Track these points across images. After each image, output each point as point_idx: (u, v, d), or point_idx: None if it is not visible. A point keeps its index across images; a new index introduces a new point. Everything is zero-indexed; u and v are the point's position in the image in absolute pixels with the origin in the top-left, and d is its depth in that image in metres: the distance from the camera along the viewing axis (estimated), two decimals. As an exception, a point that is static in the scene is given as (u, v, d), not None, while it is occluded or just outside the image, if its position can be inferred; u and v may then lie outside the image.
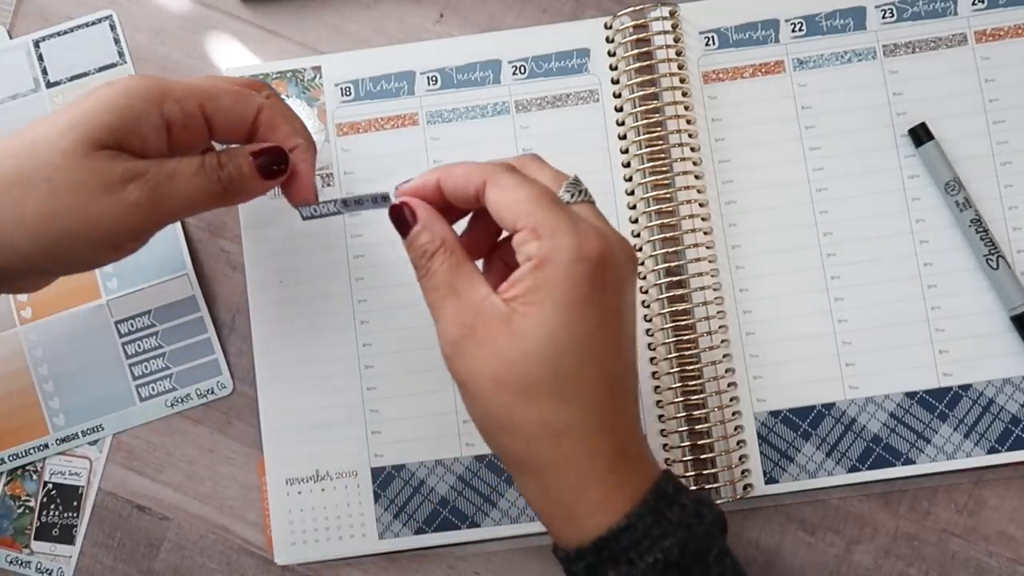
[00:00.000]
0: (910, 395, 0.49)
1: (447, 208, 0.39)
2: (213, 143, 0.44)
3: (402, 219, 0.38)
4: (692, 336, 0.49)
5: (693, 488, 0.48)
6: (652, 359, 0.49)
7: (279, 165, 0.42)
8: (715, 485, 0.48)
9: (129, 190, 0.39)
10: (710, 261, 0.50)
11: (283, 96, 0.51)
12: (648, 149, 0.50)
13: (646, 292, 0.50)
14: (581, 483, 0.36)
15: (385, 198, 0.39)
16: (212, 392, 0.51)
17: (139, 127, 0.40)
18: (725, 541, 0.38)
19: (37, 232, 0.39)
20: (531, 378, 0.35)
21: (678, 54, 0.50)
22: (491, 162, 0.38)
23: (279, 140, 0.43)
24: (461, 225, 0.41)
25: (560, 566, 0.38)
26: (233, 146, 0.43)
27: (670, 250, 0.49)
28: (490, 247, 0.42)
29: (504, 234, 0.42)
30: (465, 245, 0.38)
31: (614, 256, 0.37)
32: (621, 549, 0.36)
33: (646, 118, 0.50)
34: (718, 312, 0.49)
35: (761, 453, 0.49)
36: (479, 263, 0.40)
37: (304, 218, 0.43)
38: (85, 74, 0.53)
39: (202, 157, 0.41)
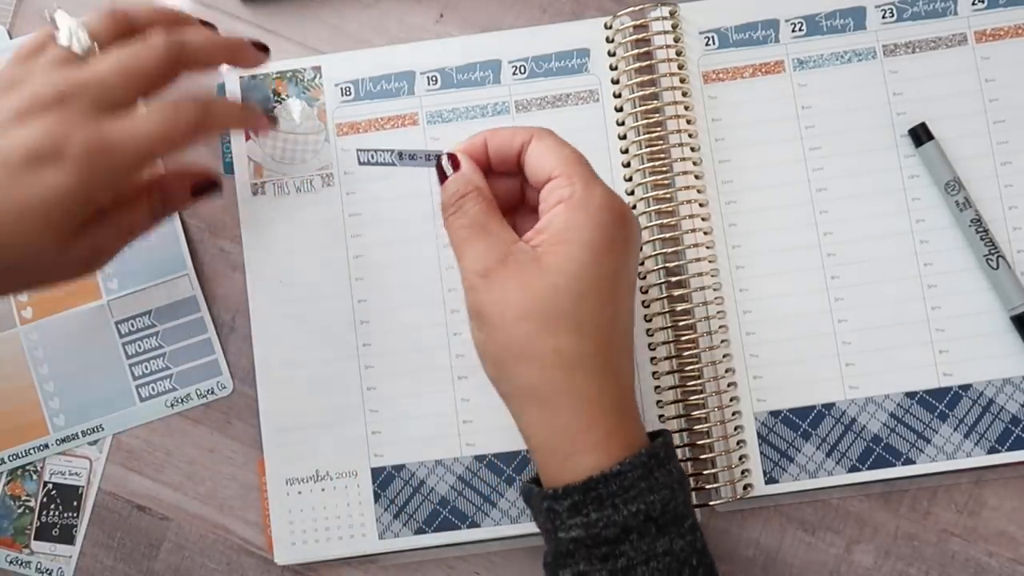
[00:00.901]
0: (910, 395, 0.49)
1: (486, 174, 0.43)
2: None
3: (443, 168, 0.42)
4: (692, 336, 0.49)
5: (691, 489, 0.48)
6: (652, 359, 0.49)
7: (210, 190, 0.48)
8: (715, 485, 0.48)
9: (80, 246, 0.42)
10: (710, 261, 0.50)
11: (283, 97, 0.51)
12: (648, 149, 0.50)
13: (646, 292, 0.50)
14: (587, 417, 0.39)
15: (437, 156, 0.43)
16: (212, 392, 0.51)
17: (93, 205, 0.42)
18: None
19: None
20: (556, 310, 0.38)
21: (678, 54, 0.50)
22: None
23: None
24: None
25: (534, 511, 0.41)
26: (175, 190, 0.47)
27: (670, 250, 0.49)
28: None
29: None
30: None
31: (632, 219, 0.41)
32: (609, 493, 0.38)
33: (646, 118, 0.50)
34: (718, 312, 0.49)
35: (761, 453, 0.49)
36: None
37: (360, 163, 0.45)
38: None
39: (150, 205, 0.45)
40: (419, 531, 0.49)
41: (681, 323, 0.49)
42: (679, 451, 0.48)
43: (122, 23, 0.42)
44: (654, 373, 0.49)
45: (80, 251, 0.41)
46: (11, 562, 0.51)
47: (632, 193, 0.50)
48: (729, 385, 0.49)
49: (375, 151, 0.45)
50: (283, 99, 0.52)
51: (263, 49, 0.47)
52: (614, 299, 0.40)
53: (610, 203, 0.40)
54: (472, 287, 0.40)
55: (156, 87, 0.42)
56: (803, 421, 0.49)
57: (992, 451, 0.48)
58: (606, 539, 0.38)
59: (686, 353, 0.49)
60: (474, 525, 0.49)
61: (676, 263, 0.50)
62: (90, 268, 0.43)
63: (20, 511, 0.51)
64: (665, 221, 0.50)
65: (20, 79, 0.40)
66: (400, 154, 0.44)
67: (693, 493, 0.48)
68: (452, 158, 0.42)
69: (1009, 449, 0.48)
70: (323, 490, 0.49)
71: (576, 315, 0.39)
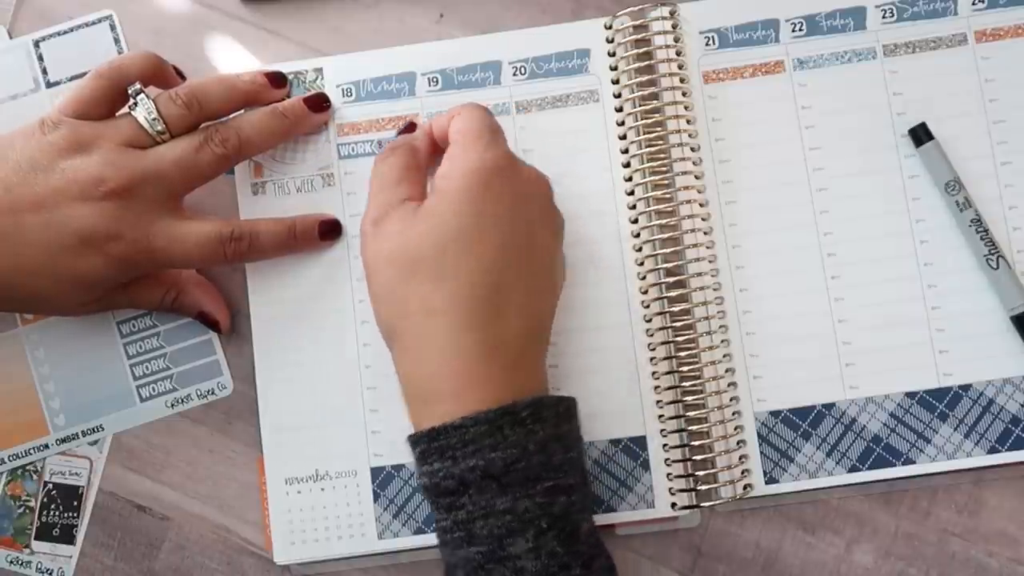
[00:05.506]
0: (910, 395, 0.49)
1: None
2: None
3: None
4: (692, 336, 0.49)
5: (691, 489, 0.48)
6: (652, 359, 0.49)
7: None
8: (715, 485, 0.48)
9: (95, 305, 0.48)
10: (710, 261, 0.50)
11: (285, 98, 0.51)
12: (648, 149, 0.50)
13: (646, 292, 0.50)
14: (443, 365, 0.40)
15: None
16: (212, 392, 0.51)
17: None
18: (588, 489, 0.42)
19: None
20: (418, 256, 0.41)
21: (678, 54, 0.50)
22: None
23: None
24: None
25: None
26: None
27: (670, 250, 0.49)
28: None
29: None
30: None
31: (514, 171, 0.43)
32: (449, 445, 0.38)
33: (646, 118, 0.50)
34: (718, 312, 0.49)
35: (761, 453, 0.49)
36: None
37: (341, 157, 0.50)
38: (85, 74, 0.52)
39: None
40: (418, 531, 0.49)
41: (681, 323, 0.49)
42: (679, 451, 0.48)
43: (195, 113, 0.46)
44: (654, 373, 0.49)
45: (94, 307, 0.48)
46: (11, 562, 0.51)
47: (632, 193, 0.50)
48: (729, 385, 0.49)
49: (356, 143, 0.49)
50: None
51: (320, 109, 0.50)
52: (478, 250, 0.40)
53: (482, 161, 0.41)
54: (363, 234, 0.43)
55: (212, 178, 0.47)
56: (803, 421, 0.49)
57: (992, 451, 0.48)
58: (447, 490, 0.39)
59: (685, 353, 0.49)
60: (474, 525, 0.49)
61: (676, 263, 0.50)
62: (100, 312, 0.50)
63: (20, 511, 0.51)
64: (665, 221, 0.50)
65: (91, 141, 0.45)
66: (380, 143, 0.48)
67: (693, 493, 0.48)
68: (409, 126, 0.48)
69: (1009, 449, 0.48)
70: (323, 490, 0.49)
71: (438, 262, 0.40)
